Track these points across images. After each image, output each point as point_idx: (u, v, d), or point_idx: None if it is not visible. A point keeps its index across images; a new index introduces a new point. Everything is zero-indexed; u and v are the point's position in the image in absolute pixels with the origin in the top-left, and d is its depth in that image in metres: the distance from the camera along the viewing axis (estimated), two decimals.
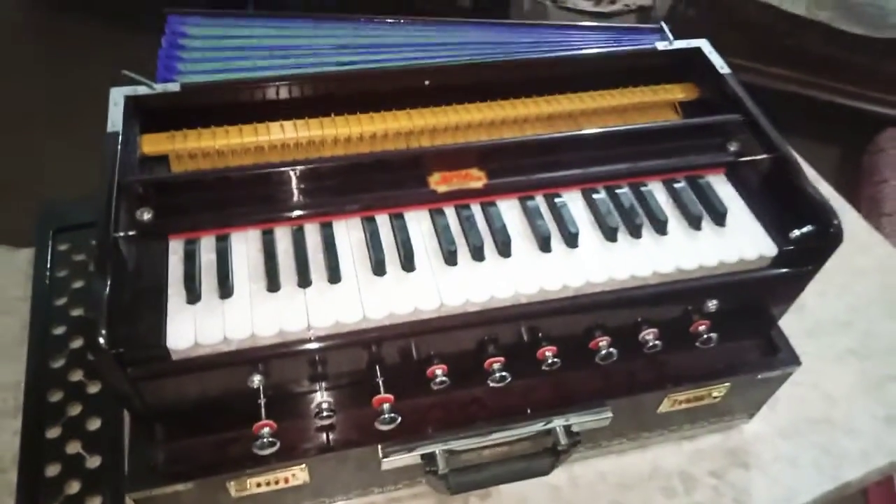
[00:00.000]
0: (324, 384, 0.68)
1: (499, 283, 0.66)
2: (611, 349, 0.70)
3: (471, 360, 0.69)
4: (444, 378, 0.68)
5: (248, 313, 0.63)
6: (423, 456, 0.71)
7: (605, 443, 0.82)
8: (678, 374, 0.76)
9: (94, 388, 0.82)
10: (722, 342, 0.72)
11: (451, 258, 0.68)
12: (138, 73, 0.75)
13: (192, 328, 0.61)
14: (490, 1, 2.41)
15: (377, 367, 0.67)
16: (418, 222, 0.71)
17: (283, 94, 0.78)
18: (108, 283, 0.58)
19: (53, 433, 0.79)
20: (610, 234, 0.71)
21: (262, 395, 0.65)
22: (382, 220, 0.71)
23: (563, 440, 0.73)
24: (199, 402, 0.66)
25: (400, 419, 0.66)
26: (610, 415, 0.73)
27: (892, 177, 1.92)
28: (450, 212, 0.72)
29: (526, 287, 0.66)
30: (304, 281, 0.65)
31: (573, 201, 0.74)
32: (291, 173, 0.71)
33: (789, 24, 2.09)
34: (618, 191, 0.75)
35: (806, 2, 2.04)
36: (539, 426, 0.72)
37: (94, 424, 0.80)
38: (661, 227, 0.72)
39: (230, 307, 0.63)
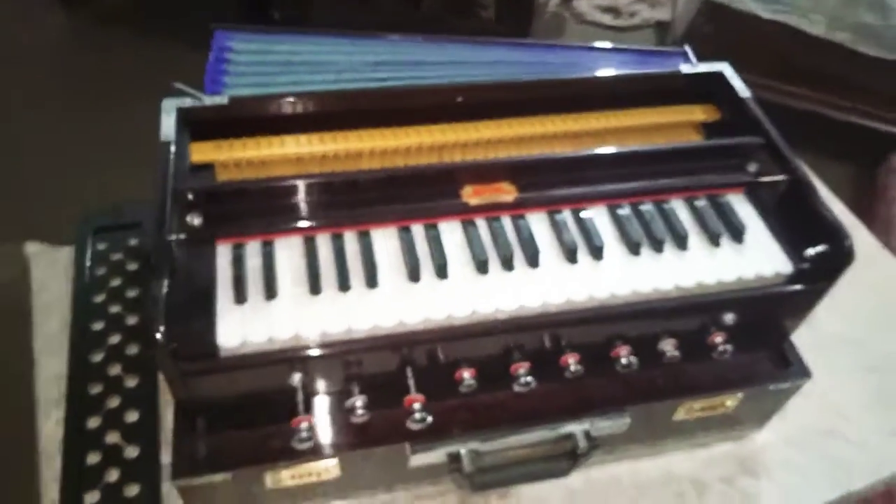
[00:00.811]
0: (358, 383, 0.70)
1: (527, 293, 0.69)
2: (631, 358, 0.72)
3: (498, 364, 0.71)
4: (471, 381, 0.70)
5: (292, 315, 0.66)
6: (449, 455, 0.73)
7: (622, 448, 0.83)
8: (694, 384, 0.78)
9: (131, 382, 0.85)
10: (736, 354, 0.74)
11: (482, 267, 0.70)
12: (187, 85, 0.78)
13: (239, 328, 0.64)
14: (512, 14, 2.45)
15: (409, 369, 0.70)
16: (451, 232, 0.74)
17: (324, 108, 0.80)
18: (165, 282, 0.61)
19: (94, 423, 0.82)
20: (633, 248, 0.73)
21: (300, 393, 0.67)
22: (417, 230, 0.73)
23: (583, 444, 0.75)
24: (240, 397, 0.68)
25: (430, 419, 0.69)
26: (628, 421, 0.76)
27: None
28: (481, 223, 0.74)
29: (553, 297, 0.69)
30: (343, 286, 0.68)
31: (599, 216, 0.77)
32: (331, 184, 0.74)
33: (807, 44, 2.11)
34: (641, 207, 0.77)
35: (825, 23, 2.05)
36: (560, 430, 0.75)
37: (132, 417, 0.82)
38: (682, 242, 0.74)
39: (275, 309, 0.66)
